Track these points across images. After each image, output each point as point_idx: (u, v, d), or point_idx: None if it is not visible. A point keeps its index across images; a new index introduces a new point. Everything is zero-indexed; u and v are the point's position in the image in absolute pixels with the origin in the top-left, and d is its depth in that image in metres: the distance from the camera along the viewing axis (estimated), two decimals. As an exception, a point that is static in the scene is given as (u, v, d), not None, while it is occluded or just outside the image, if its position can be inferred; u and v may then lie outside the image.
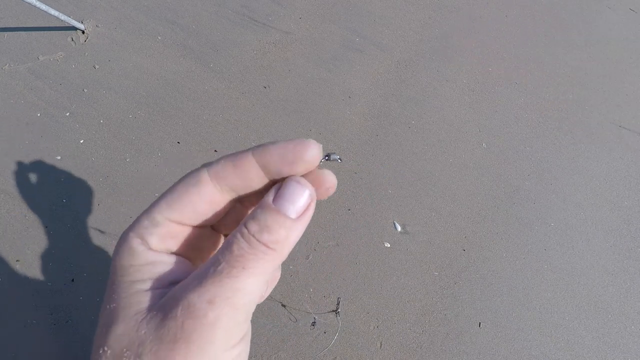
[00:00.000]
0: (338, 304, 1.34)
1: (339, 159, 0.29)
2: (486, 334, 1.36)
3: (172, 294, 0.22)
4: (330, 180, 0.26)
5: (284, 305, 1.33)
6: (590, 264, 1.52)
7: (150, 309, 0.22)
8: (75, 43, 1.78)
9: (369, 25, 1.96)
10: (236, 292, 0.22)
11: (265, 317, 1.31)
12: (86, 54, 1.75)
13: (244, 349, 0.24)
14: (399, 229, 1.49)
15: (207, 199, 0.25)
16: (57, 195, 1.46)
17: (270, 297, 1.32)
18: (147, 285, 0.23)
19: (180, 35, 1.83)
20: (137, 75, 1.72)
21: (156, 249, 0.25)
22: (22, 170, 1.49)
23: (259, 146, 0.25)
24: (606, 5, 2.23)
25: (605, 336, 1.40)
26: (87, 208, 1.45)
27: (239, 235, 0.23)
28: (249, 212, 0.31)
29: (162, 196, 0.25)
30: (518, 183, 1.65)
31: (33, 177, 1.48)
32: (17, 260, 1.36)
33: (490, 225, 1.55)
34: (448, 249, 1.49)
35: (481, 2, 2.12)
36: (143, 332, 0.21)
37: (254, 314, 0.25)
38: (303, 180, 0.25)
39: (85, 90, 1.67)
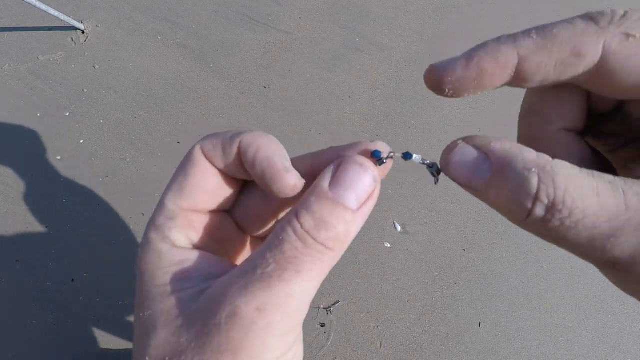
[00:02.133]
0: (334, 304, 1.34)
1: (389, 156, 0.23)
2: (486, 334, 1.36)
3: (211, 295, 0.20)
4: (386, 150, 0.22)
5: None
6: (590, 264, 1.52)
7: (188, 312, 0.20)
8: (75, 43, 1.78)
9: (369, 25, 1.96)
10: (289, 299, 0.19)
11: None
12: (86, 54, 1.75)
13: (297, 351, 0.22)
14: (399, 229, 1.49)
15: (208, 177, 0.23)
16: (57, 195, 1.46)
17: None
18: (180, 286, 0.21)
19: (180, 35, 1.83)
20: (137, 75, 1.72)
21: (180, 244, 0.23)
22: (22, 171, 1.49)
23: (247, 136, 0.22)
24: (606, 5, 2.23)
25: (605, 336, 1.40)
26: (87, 208, 1.45)
27: (290, 231, 0.20)
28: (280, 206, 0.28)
29: (168, 186, 0.24)
30: (518, 183, 1.65)
31: (33, 177, 1.48)
32: (17, 260, 1.36)
33: (490, 225, 1.55)
34: (448, 249, 1.49)
35: (481, 2, 2.12)
36: (184, 339, 0.20)
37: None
38: (365, 161, 0.21)
39: (85, 90, 1.67)
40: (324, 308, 1.33)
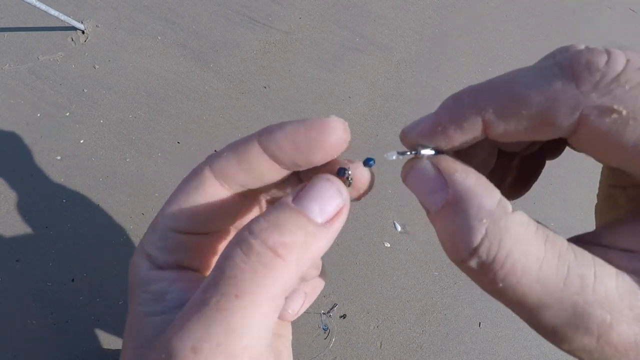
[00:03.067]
0: (332, 308, 1.34)
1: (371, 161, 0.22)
2: (486, 334, 1.36)
3: (165, 330, 0.18)
4: (364, 177, 0.21)
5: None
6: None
7: (147, 346, 0.18)
8: (75, 43, 1.78)
9: (369, 25, 1.96)
10: (229, 334, 0.16)
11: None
12: (86, 54, 1.75)
13: None
14: (399, 229, 1.49)
15: (214, 201, 0.21)
16: (57, 195, 1.46)
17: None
18: (152, 309, 0.20)
19: (180, 35, 1.83)
20: (137, 75, 1.72)
21: (164, 265, 0.21)
22: (22, 170, 1.49)
23: (265, 131, 0.20)
24: (606, 5, 2.23)
25: (605, 336, 1.40)
26: (87, 208, 1.45)
27: (233, 243, 0.17)
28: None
29: (167, 204, 0.22)
30: (518, 183, 1.65)
31: (33, 177, 1.48)
32: (17, 260, 1.36)
33: (490, 225, 1.55)
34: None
35: (481, 2, 2.12)
36: None
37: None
38: (335, 179, 0.20)
39: (85, 90, 1.67)
40: (323, 313, 1.33)
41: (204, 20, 1.88)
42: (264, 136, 0.20)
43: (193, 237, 0.22)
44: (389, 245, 1.46)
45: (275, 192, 0.23)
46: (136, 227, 1.43)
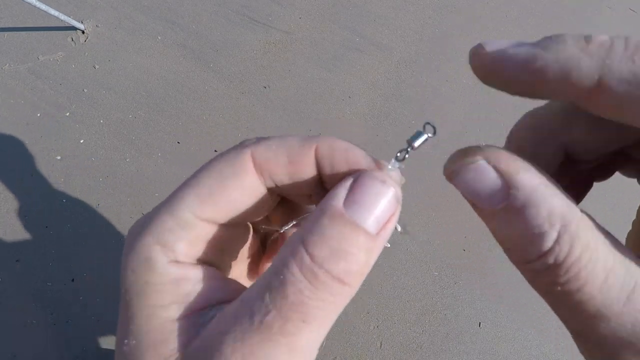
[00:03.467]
0: None
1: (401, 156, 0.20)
2: (486, 334, 1.36)
3: (205, 341, 0.16)
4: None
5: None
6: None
7: (183, 349, 0.17)
8: (75, 43, 1.78)
9: (369, 25, 1.96)
10: (292, 355, 0.16)
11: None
12: (86, 54, 1.75)
13: None
14: (399, 229, 1.48)
15: (249, 193, 0.19)
16: (57, 195, 1.46)
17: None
18: (174, 312, 0.17)
19: (180, 35, 1.83)
20: (137, 75, 1.72)
21: (183, 259, 0.18)
22: (22, 170, 1.49)
23: (325, 139, 0.19)
24: (606, 5, 2.23)
25: (605, 336, 1.40)
26: (87, 208, 1.45)
27: (294, 268, 0.16)
28: (299, 216, 0.25)
29: (189, 187, 0.19)
30: (518, 183, 1.65)
31: (33, 177, 1.48)
32: (17, 260, 1.36)
33: (490, 225, 1.55)
34: (448, 249, 1.49)
35: (481, 2, 2.12)
36: None
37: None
38: (386, 176, 0.18)
39: (85, 90, 1.67)
40: None
41: (204, 20, 1.88)
42: (325, 144, 0.19)
43: (216, 228, 0.19)
44: (389, 245, 1.45)
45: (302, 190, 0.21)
46: (136, 227, 1.43)
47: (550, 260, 0.15)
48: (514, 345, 1.36)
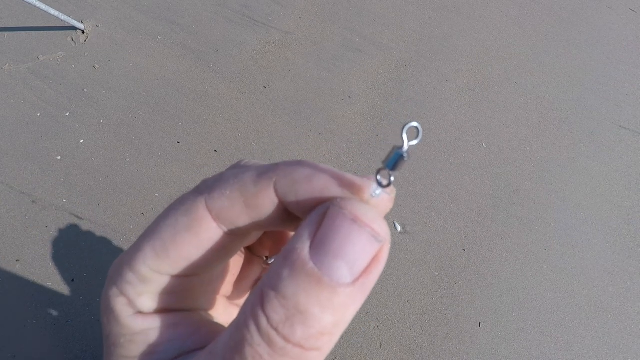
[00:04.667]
0: None
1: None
2: (486, 334, 1.36)
3: None
4: (387, 206, 0.17)
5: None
6: (590, 264, 1.52)
7: None
8: (75, 43, 1.78)
9: (369, 25, 1.96)
10: None
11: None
12: (86, 54, 1.75)
13: None
14: (399, 229, 1.49)
15: (208, 243, 0.17)
16: (57, 195, 1.46)
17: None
18: None
19: (180, 35, 1.83)
20: (137, 75, 1.72)
21: (148, 310, 0.18)
22: (22, 170, 1.49)
23: (283, 172, 0.16)
24: (606, 5, 2.23)
25: (605, 336, 1.40)
26: (87, 208, 1.45)
27: (252, 328, 0.14)
28: (266, 264, 0.25)
29: (147, 237, 0.18)
30: (518, 183, 1.65)
31: (33, 177, 1.48)
32: (17, 260, 1.36)
33: (490, 225, 1.55)
34: (448, 249, 1.49)
35: (481, 2, 2.12)
36: None
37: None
38: (362, 212, 0.15)
39: (85, 90, 1.67)
40: None
41: (204, 20, 1.88)
42: (283, 177, 0.16)
43: (180, 279, 0.18)
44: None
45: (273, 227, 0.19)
46: (136, 227, 1.43)
47: None
48: (514, 345, 1.36)
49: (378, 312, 1.36)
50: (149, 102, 1.66)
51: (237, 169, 0.18)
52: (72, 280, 1.34)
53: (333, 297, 0.13)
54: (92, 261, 1.37)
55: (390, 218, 1.51)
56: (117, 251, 1.39)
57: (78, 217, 1.43)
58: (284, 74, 1.78)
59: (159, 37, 1.82)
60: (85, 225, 1.42)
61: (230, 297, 0.24)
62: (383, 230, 0.15)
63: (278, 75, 1.77)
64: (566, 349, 1.37)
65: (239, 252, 0.23)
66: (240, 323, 0.15)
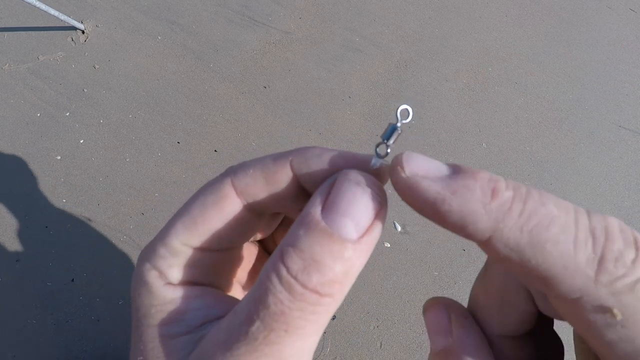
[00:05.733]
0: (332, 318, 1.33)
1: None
2: (486, 334, 1.37)
3: (201, 351, 0.18)
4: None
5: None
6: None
7: None
8: (75, 43, 1.78)
9: (369, 25, 1.96)
10: None
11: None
12: (86, 54, 1.75)
13: None
14: (399, 229, 1.49)
15: (233, 219, 0.20)
16: (57, 195, 1.46)
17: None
18: (175, 329, 0.19)
19: (180, 35, 1.83)
20: (137, 75, 1.72)
21: (177, 282, 0.20)
22: (22, 170, 1.49)
23: (298, 153, 0.19)
24: (606, 5, 2.23)
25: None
26: (87, 208, 1.45)
27: (274, 279, 0.16)
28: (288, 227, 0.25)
29: (178, 215, 0.20)
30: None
31: (33, 177, 1.48)
32: (17, 260, 1.36)
33: (490, 225, 1.55)
34: (448, 249, 1.49)
35: (481, 2, 2.12)
36: None
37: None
38: (365, 177, 0.18)
39: (85, 90, 1.67)
40: None
41: (204, 20, 1.88)
42: (298, 154, 0.19)
43: (207, 253, 0.20)
44: (389, 245, 1.46)
45: (292, 206, 0.21)
46: (136, 227, 1.43)
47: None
48: None
49: (378, 312, 1.36)
50: (149, 102, 1.66)
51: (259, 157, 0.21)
52: (72, 280, 1.34)
53: (342, 249, 0.16)
54: (92, 261, 1.37)
55: (390, 218, 1.51)
56: (117, 251, 1.39)
57: (78, 217, 1.43)
58: (284, 74, 1.78)
59: (159, 37, 1.82)
60: (85, 225, 1.42)
61: (244, 287, 0.27)
62: (382, 193, 0.18)
63: (278, 75, 1.77)
64: (566, 349, 1.37)
65: (254, 245, 0.26)
66: (262, 277, 0.16)
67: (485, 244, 0.16)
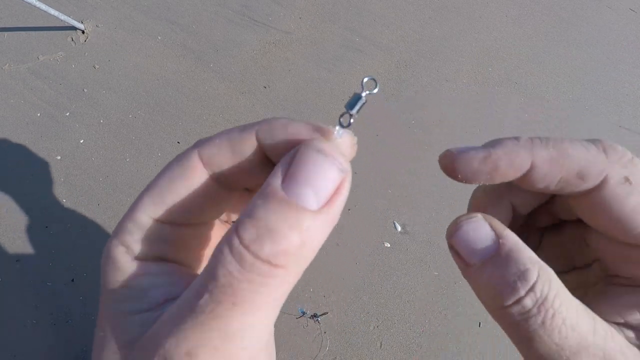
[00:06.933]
0: (323, 314, 1.31)
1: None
2: (486, 334, 1.36)
3: (155, 328, 0.17)
4: (350, 142, 0.19)
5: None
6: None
7: (137, 341, 0.17)
8: (75, 43, 1.78)
9: (369, 25, 1.96)
10: (227, 339, 0.15)
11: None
12: (86, 54, 1.75)
13: None
14: (399, 229, 1.49)
15: (201, 191, 0.19)
16: (57, 195, 1.46)
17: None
18: (136, 306, 0.18)
19: (180, 35, 1.83)
20: (137, 75, 1.72)
21: (143, 257, 0.19)
22: (22, 170, 1.49)
23: (264, 123, 0.19)
24: (606, 5, 2.23)
25: (605, 336, 1.40)
26: (87, 208, 1.45)
27: (225, 250, 0.15)
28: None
29: (146, 189, 0.20)
30: (518, 183, 1.65)
31: (33, 177, 1.48)
32: (17, 260, 1.36)
33: (490, 225, 1.55)
34: (448, 249, 1.48)
35: (481, 2, 2.12)
36: None
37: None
38: (327, 146, 0.17)
39: (85, 90, 1.67)
40: (309, 317, 1.30)
41: (204, 20, 1.88)
42: (264, 124, 0.19)
43: (175, 227, 0.20)
44: (389, 245, 1.46)
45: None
46: (136, 227, 1.43)
47: (538, 292, 0.18)
48: (514, 345, 1.36)
49: (378, 312, 1.36)
50: (149, 102, 1.66)
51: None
52: (72, 280, 1.34)
53: (300, 218, 0.15)
54: (92, 261, 1.37)
55: (390, 218, 1.51)
56: (117, 251, 1.39)
57: (78, 217, 1.43)
58: (284, 74, 1.78)
59: (159, 37, 1.82)
60: (85, 225, 1.42)
61: None
62: (345, 162, 0.17)
63: (278, 75, 1.77)
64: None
65: (222, 225, 0.25)
66: (215, 250, 0.16)
67: (528, 173, 0.21)
